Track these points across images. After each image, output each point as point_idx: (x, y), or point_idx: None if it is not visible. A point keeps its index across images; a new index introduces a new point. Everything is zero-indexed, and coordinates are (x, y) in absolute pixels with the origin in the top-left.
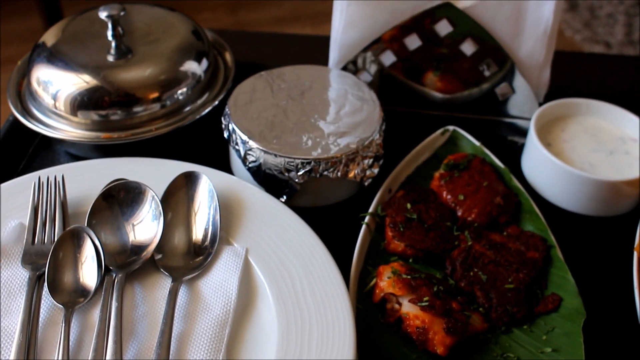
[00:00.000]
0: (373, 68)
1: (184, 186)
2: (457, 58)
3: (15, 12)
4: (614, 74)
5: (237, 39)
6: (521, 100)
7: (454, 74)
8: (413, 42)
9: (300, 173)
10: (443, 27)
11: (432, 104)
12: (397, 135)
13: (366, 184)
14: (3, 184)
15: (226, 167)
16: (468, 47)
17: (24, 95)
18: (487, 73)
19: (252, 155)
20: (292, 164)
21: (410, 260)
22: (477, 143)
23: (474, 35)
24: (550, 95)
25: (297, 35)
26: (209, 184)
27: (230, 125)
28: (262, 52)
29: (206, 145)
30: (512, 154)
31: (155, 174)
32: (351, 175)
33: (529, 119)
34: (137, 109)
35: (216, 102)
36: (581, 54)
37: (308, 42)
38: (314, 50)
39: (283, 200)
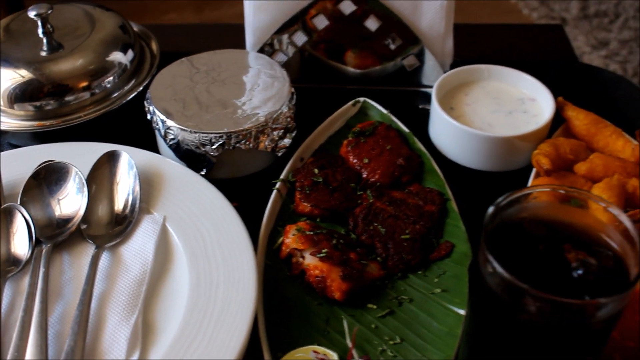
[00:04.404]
0: (291, 49)
1: (107, 163)
2: (377, 36)
3: None
4: (519, 41)
5: (171, 31)
6: (429, 71)
7: (371, 50)
8: (321, 22)
9: (214, 147)
10: (347, 6)
11: (350, 79)
12: (315, 109)
13: (279, 154)
14: None
15: (154, 147)
16: (372, 23)
17: None
18: (392, 46)
19: (171, 133)
20: (206, 138)
21: (318, 220)
22: (385, 111)
23: (376, 12)
24: (459, 64)
25: (223, 24)
26: (128, 161)
27: (151, 107)
28: (193, 41)
29: (135, 128)
30: (422, 120)
31: (84, 155)
32: (262, 146)
33: None
34: (69, 97)
35: (140, 88)
36: (486, 25)
37: (235, 29)
38: (241, 37)
39: (203, 173)
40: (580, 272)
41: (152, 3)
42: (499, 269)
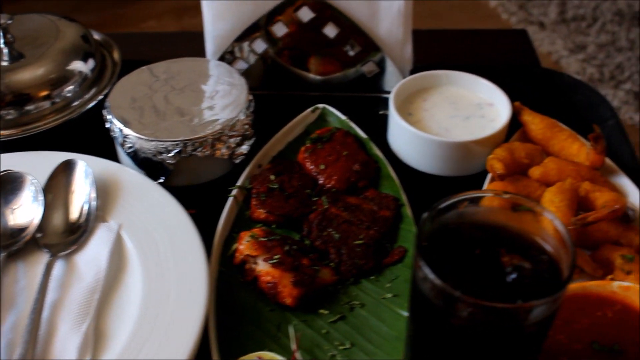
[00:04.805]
0: (252, 57)
1: (63, 172)
2: (338, 43)
3: None
4: (482, 46)
5: (136, 40)
6: (390, 77)
7: (333, 56)
8: (280, 29)
9: (171, 154)
10: (305, 14)
11: (312, 86)
12: (275, 116)
13: (237, 161)
14: None
15: (114, 156)
16: (331, 31)
17: None
18: (351, 53)
19: (129, 142)
20: (162, 146)
21: (274, 226)
22: (344, 117)
23: (335, 19)
24: (420, 70)
25: (187, 32)
26: (85, 169)
27: (109, 116)
28: (158, 49)
29: (96, 136)
30: (382, 126)
31: (43, 164)
32: (218, 154)
33: None
34: (29, 107)
35: (101, 97)
36: (450, 31)
37: (199, 37)
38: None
39: (162, 180)
40: (513, 276)
41: (132, 11)
42: (430, 275)
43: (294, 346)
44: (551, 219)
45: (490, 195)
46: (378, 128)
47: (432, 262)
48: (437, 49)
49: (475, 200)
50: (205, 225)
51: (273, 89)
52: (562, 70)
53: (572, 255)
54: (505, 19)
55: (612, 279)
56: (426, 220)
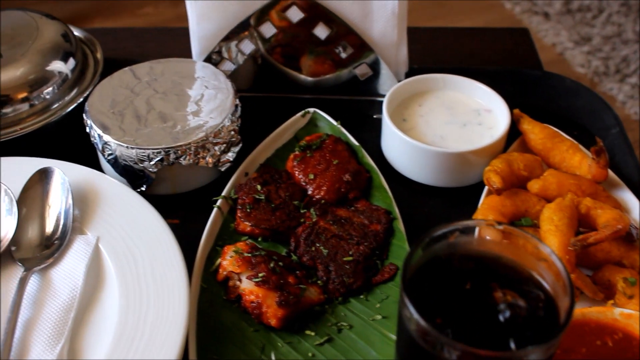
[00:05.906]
0: (241, 57)
1: (39, 182)
2: (330, 42)
3: None
4: (482, 46)
5: (121, 36)
6: (384, 80)
7: (327, 56)
8: (269, 30)
9: (152, 162)
10: (294, 14)
11: (304, 88)
12: (264, 119)
13: (222, 169)
14: None
15: (95, 161)
16: (321, 32)
17: None
18: (343, 55)
19: (109, 149)
20: (143, 154)
21: (260, 240)
22: (335, 123)
23: (325, 19)
24: (416, 72)
25: (175, 28)
26: (62, 179)
27: (88, 120)
28: (143, 46)
29: (77, 141)
30: (377, 131)
31: (19, 171)
32: (202, 162)
33: None
34: (6, 110)
35: (81, 99)
36: (449, 29)
37: (187, 33)
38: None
39: (143, 189)
40: (506, 315)
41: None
42: (416, 315)
43: None
44: (548, 254)
45: (484, 226)
46: (372, 133)
47: (419, 298)
48: (435, 48)
49: (467, 231)
50: (188, 237)
51: (262, 91)
52: (566, 62)
53: (571, 296)
54: (509, 8)
55: (614, 305)
56: (413, 253)
